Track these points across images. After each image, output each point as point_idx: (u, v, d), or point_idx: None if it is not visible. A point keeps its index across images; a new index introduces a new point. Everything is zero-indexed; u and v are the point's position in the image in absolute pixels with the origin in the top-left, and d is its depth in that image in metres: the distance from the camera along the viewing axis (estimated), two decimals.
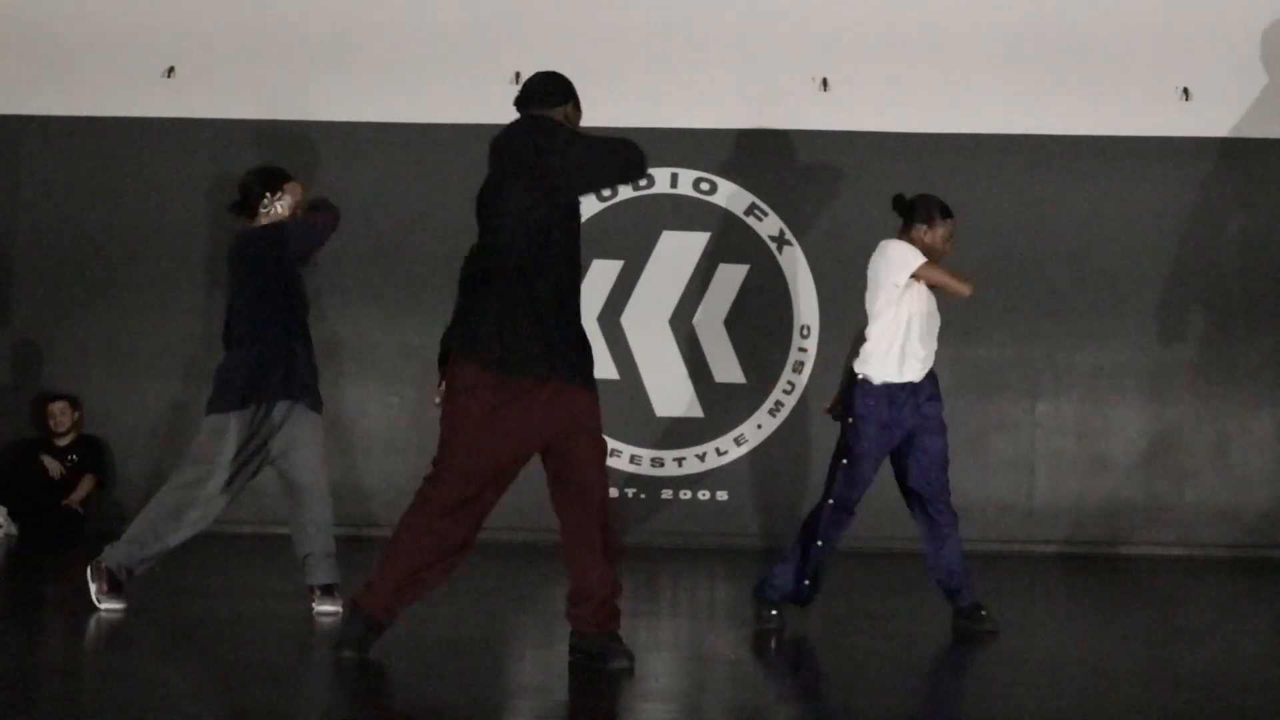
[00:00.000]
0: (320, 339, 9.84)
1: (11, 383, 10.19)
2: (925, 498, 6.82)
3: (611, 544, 5.79)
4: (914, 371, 6.78)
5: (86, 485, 9.91)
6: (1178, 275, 9.97)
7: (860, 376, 6.77)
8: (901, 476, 6.87)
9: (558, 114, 5.89)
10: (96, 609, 6.67)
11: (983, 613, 6.81)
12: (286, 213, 6.92)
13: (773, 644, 6.57)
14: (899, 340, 6.76)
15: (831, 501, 6.73)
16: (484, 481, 5.68)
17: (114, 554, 6.71)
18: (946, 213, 7.01)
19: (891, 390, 6.74)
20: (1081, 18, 10.00)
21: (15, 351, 10.18)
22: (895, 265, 6.79)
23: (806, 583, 6.77)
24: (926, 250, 6.87)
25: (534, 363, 5.60)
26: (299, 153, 10.04)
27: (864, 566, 9.15)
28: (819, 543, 6.74)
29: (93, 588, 6.70)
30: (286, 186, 6.95)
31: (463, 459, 5.64)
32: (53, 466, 9.84)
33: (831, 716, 5.46)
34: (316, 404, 6.92)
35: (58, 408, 9.96)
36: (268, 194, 6.92)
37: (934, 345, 6.89)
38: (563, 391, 5.66)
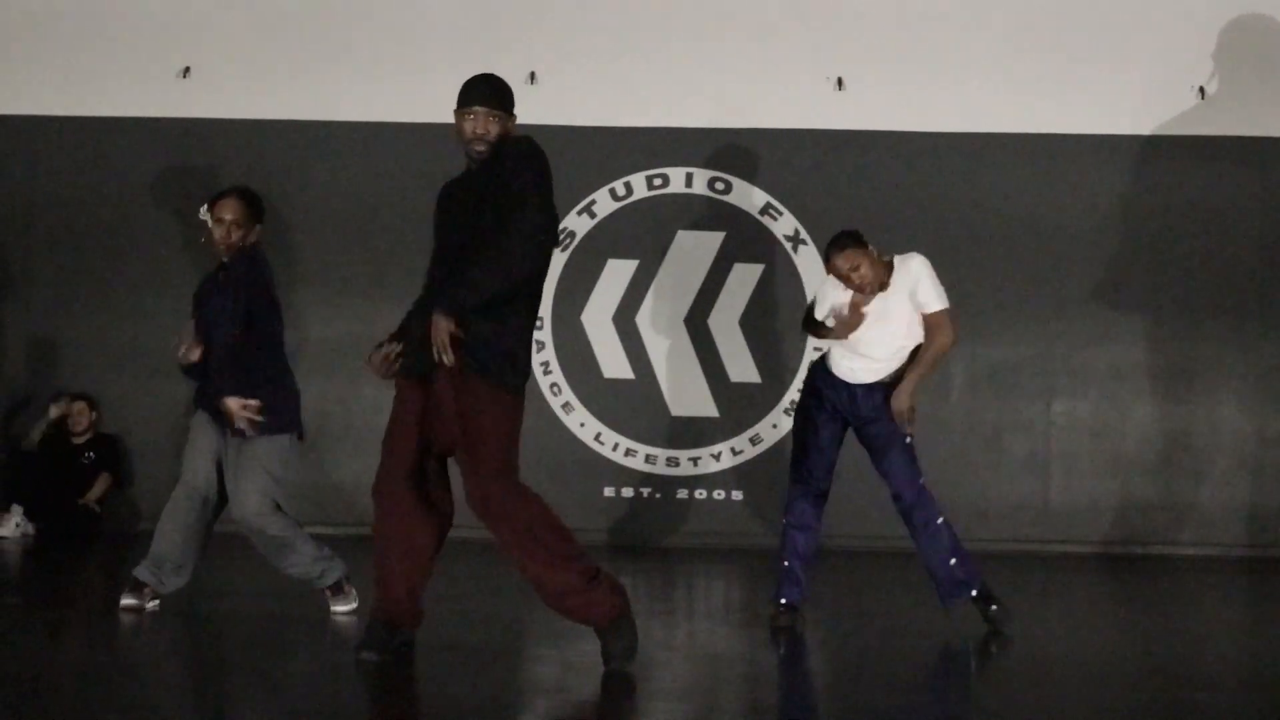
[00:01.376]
0: (324, 337, 9.94)
1: (29, 382, 10.22)
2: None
3: (522, 541, 5.63)
4: (843, 372, 6.89)
5: (103, 484, 9.93)
6: (1194, 275, 9.95)
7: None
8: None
9: None
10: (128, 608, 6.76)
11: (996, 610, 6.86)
12: (212, 231, 6.92)
13: (785, 644, 6.57)
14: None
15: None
16: (409, 460, 5.78)
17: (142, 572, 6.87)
18: (834, 246, 6.85)
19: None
20: (1097, 17, 9.98)
21: (32, 351, 10.21)
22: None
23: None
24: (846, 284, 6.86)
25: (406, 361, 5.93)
26: (313, 152, 10.06)
27: (874, 566, 9.14)
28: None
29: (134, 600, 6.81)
30: (218, 203, 6.95)
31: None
32: (57, 411, 9.91)
33: (845, 716, 5.45)
34: (256, 428, 6.81)
35: (76, 407, 9.99)
36: (206, 204, 7.04)
37: (866, 359, 6.88)
38: (435, 383, 5.78)
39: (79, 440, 9.98)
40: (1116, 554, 9.79)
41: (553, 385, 9.98)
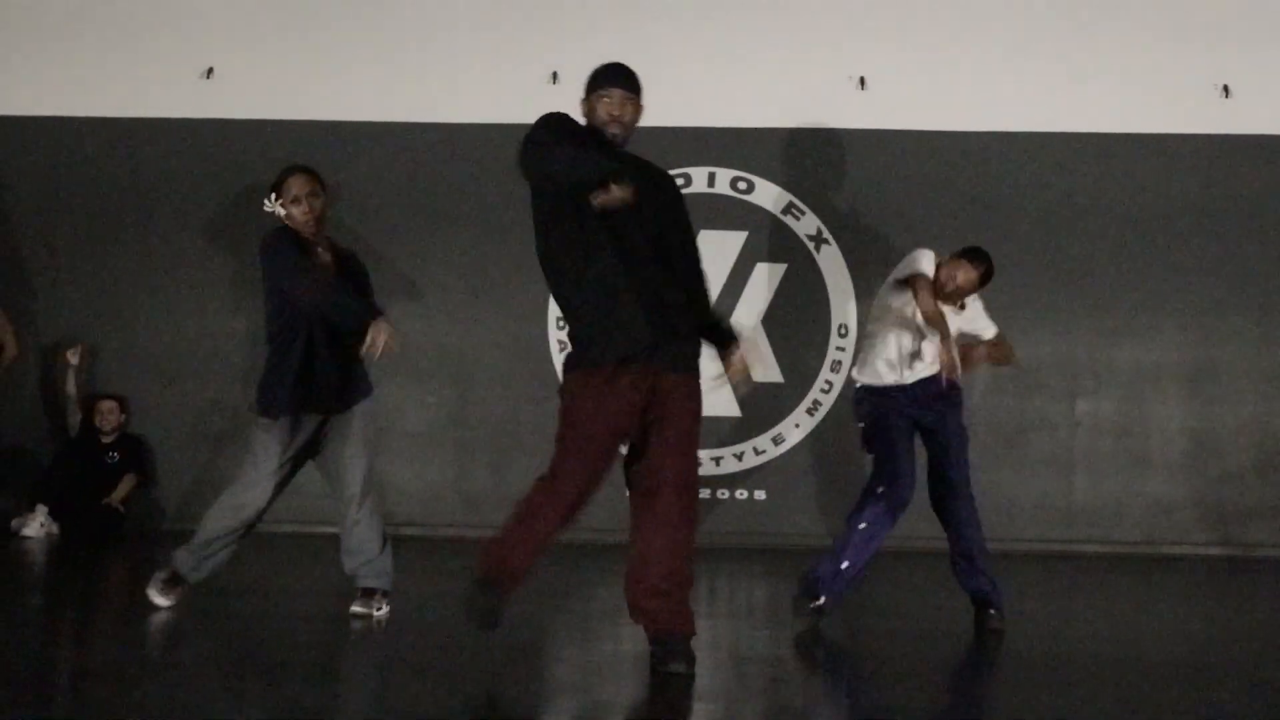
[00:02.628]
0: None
1: (53, 384, 10.25)
2: None
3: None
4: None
5: (127, 485, 9.96)
6: (1217, 273, 9.93)
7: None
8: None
9: (582, 108, 5.91)
10: (154, 606, 6.74)
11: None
12: (285, 212, 6.69)
13: (811, 643, 6.56)
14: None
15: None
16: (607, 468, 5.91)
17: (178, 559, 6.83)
18: (979, 259, 6.96)
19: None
20: (1121, 15, 9.96)
21: (56, 351, 10.24)
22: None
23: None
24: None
25: None
26: (337, 152, 10.08)
27: (896, 566, 9.13)
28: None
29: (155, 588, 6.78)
30: (284, 185, 6.72)
31: None
32: (72, 356, 9.90)
33: (870, 715, 5.45)
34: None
35: (106, 406, 10.02)
36: (269, 196, 6.83)
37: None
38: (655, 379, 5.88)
39: (107, 440, 10.02)
40: (1140, 554, 9.77)
41: None
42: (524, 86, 9.86)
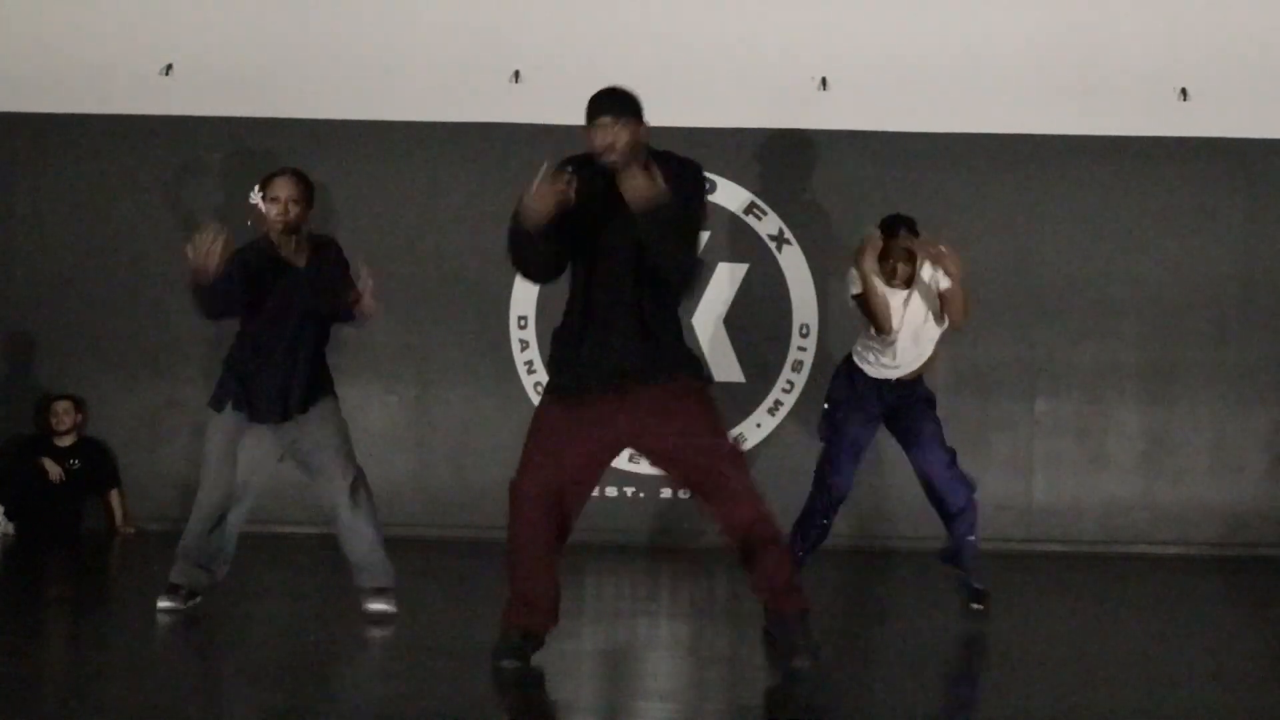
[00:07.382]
0: None
1: (8, 380, 10.18)
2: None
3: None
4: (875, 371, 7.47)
5: (118, 501, 9.89)
6: (1175, 275, 9.99)
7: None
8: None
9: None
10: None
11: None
12: (263, 208, 6.87)
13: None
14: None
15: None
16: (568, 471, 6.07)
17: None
18: (907, 226, 7.61)
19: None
20: (1078, 18, 10.00)
21: (12, 348, 10.18)
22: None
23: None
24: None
25: None
26: (297, 151, 10.04)
27: (862, 565, 9.16)
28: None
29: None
30: (271, 183, 6.86)
31: None
32: (53, 470, 9.79)
33: (829, 715, 5.46)
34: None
35: (61, 407, 9.93)
36: (257, 186, 6.97)
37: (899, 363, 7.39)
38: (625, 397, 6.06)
39: (63, 443, 9.91)
40: (1098, 553, 9.82)
41: (537, 385, 9.97)
42: (487, 86, 9.84)
